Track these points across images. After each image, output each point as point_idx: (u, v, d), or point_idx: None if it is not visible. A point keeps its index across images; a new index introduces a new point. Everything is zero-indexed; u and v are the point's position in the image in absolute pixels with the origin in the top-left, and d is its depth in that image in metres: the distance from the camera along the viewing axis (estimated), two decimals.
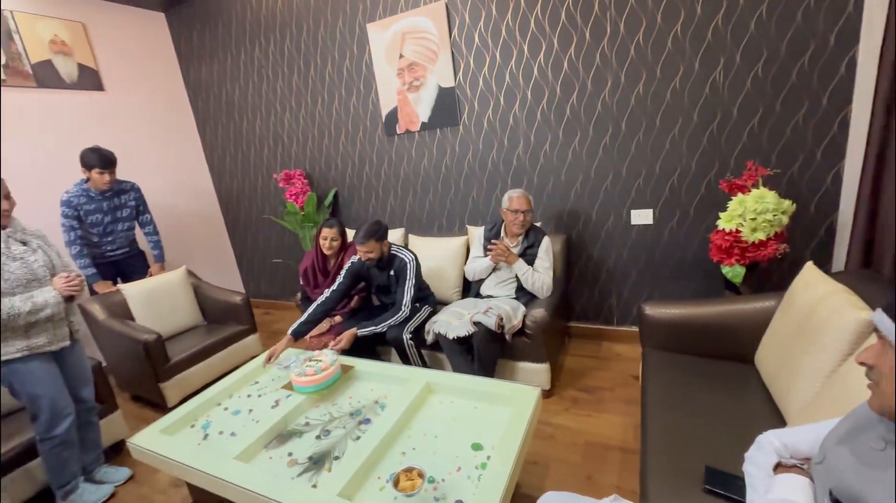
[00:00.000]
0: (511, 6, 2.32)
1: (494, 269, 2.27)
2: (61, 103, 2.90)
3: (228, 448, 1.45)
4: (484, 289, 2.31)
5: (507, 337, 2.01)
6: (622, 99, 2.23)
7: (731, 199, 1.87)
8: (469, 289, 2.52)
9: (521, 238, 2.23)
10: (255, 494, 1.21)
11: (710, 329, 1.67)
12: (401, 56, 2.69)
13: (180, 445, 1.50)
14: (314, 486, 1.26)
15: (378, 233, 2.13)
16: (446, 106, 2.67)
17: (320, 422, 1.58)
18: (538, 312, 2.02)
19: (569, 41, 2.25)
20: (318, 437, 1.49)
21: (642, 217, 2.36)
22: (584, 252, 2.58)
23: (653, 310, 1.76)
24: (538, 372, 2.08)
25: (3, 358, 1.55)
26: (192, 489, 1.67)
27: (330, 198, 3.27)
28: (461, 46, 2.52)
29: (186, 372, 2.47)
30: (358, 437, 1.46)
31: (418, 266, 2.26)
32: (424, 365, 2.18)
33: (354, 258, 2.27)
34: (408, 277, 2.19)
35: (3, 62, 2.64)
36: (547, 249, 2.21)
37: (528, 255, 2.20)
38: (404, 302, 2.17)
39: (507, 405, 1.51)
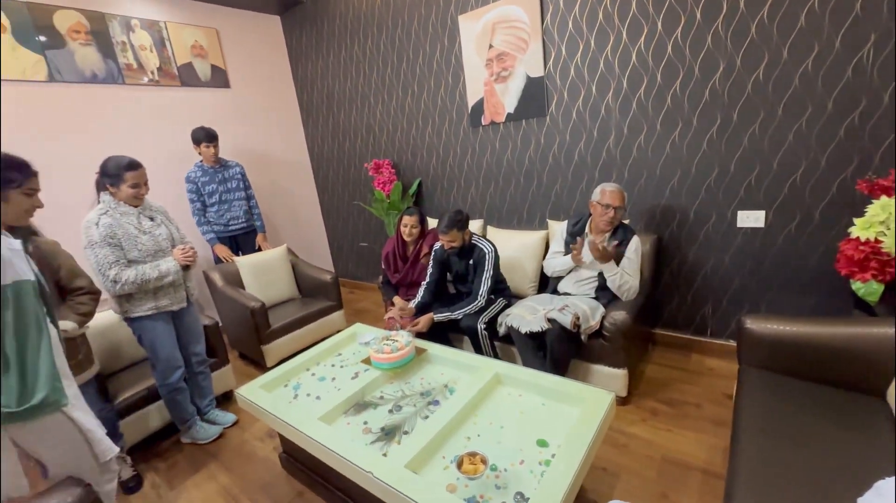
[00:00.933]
0: None
1: (574, 267, 2.19)
2: (197, 99, 3.39)
3: (314, 409, 1.61)
4: (562, 287, 2.24)
5: (583, 337, 1.94)
6: (736, 86, 1.98)
7: (870, 203, 1.58)
8: (546, 284, 2.47)
9: (607, 235, 2.12)
10: (335, 453, 1.34)
11: (829, 352, 1.44)
12: (490, 46, 2.68)
13: (276, 401, 1.71)
14: (384, 455, 1.35)
15: (461, 222, 2.19)
16: (533, 96, 2.61)
17: (393, 397, 1.68)
18: (619, 315, 1.91)
19: (675, 22, 2.05)
20: (390, 411, 1.59)
21: (751, 219, 2.10)
22: (678, 254, 2.37)
23: (756, 325, 1.57)
24: (615, 377, 1.98)
25: (135, 314, 1.89)
26: (283, 440, 1.89)
27: (414, 187, 3.40)
28: (553, 34, 2.43)
29: (282, 338, 2.78)
30: (426, 417, 1.53)
31: (497, 257, 2.27)
32: (496, 356, 2.20)
33: (436, 246, 2.35)
34: (486, 268, 2.22)
35: (157, 65, 3.17)
36: (636, 250, 2.07)
37: (616, 255, 2.09)
38: (481, 292, 2.20)
39: (577, 405, 1.47)
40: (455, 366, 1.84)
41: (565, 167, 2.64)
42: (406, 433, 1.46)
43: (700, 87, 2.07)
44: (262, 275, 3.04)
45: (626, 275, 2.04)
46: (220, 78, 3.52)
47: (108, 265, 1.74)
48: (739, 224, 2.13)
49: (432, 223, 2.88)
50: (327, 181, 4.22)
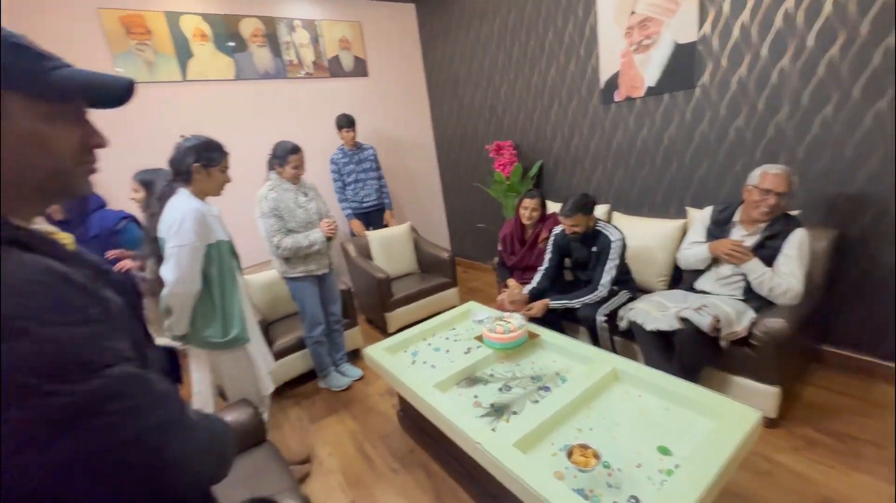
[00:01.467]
0: None
1: (715, 262, 1.90)
2: (341, 88, 3.78)
3: (429, 376, 1.73)
4: (700, 284, 1.98)
5: (723, 344, 1.70)
6: None
7: None
8: (679, 280, 2.21)
9: (761, 225, 1.79)
10: (448, 420, 1.43)
11: None
12: (632, 13, 2.42)
13: (396, 364, 1.88)
14: (493, 430, 1.39)
15: (586, 206, 2.07)
16: (680, 66, 2.29)
17: (503, 377, 1.71)
18: (774, 322, 1.62)
19: None
20: (500, 390, 1.63)
21: None
22: (866, 257, 1.89)
23: None
24: (763, 394, 1.69)
25: (291, 275, 2.24)
26: (401, 399, 2.08)
27: (535, 169, 3.31)
28: None
29: (402, 308, 3.03)
30: (536, 401, 1.52)
31: (624, 246, 2.10)
32: (614, 351, 2.06)
33: (556, 230, 2.28)
34: (611, 257, 2.07)
35: (312, 60, 3.61)
36: (800, 245, 1.71)
37: (768, 248, 1.76)
38: (602, 282, 2.07)
39: (710, 418, 1.30)
40: (568, 355, 1.78)
41: (716, 146, 2.28)
42: (515, 413, 1.48)
43: None
44: (388, 249, 3.32)
45: (780, 277, 1.70)
46: (360, 67, 3.87)
47: (273, 233, 2.10)
48: None
49: (552, 206, 2.78)
50: (449, 162, 4.37)
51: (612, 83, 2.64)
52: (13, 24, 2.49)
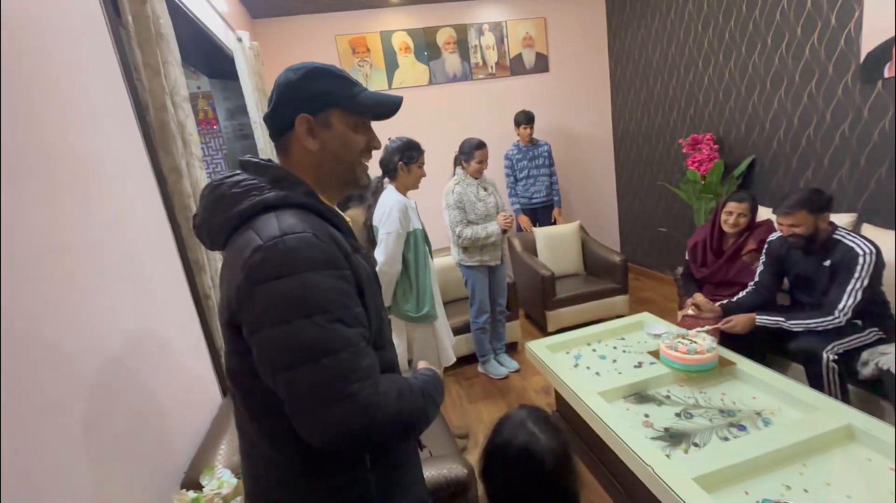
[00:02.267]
0: None
1: None
2: (521, 85, 3.85)
3: (593, 382, 1.66)
4: None
5: None
6: None
7: None
8: None
9: None
10: (613, 432, 1.35)
11: None
12: None
13: (558, 363, 1.85)
14: (668, 457, 1.25)
15: (815, 202, 1.63)
16: None
17: (683, 402, 1.51)
18: None
19: None
20: (678, 415, 1.45)
21: None
22: None
23: None
24: None
25: (467, 263, 2.41)
26: (559, 400, 2.04)
27: (743, 167, 2.77)
28: None
29: (564, 308, 2.95)
30: (726, 439, 1.30)
31: (879, 264, 1.58)
32: (845, 401, 1.60)
33: (773, 236, 1.88)
34: (855, 276, 1.58)
35: (496, 60, 3.77)
36: None
37: None
38: (840, 307, 1.60)
39: None
40: (776, 395, 1.46)
41: None
42: (696, 445, 1.30)
43: None
44: (555, 247, 3.27)
45: None
46: (541, 63, 3.86)
47: (456, 223, 2.31)
48: None
49: (764, 213, 2.28)
50: (628, 159, 4.01)
51: (883, 54, 1.99)
52: (281, 51, 3.35)
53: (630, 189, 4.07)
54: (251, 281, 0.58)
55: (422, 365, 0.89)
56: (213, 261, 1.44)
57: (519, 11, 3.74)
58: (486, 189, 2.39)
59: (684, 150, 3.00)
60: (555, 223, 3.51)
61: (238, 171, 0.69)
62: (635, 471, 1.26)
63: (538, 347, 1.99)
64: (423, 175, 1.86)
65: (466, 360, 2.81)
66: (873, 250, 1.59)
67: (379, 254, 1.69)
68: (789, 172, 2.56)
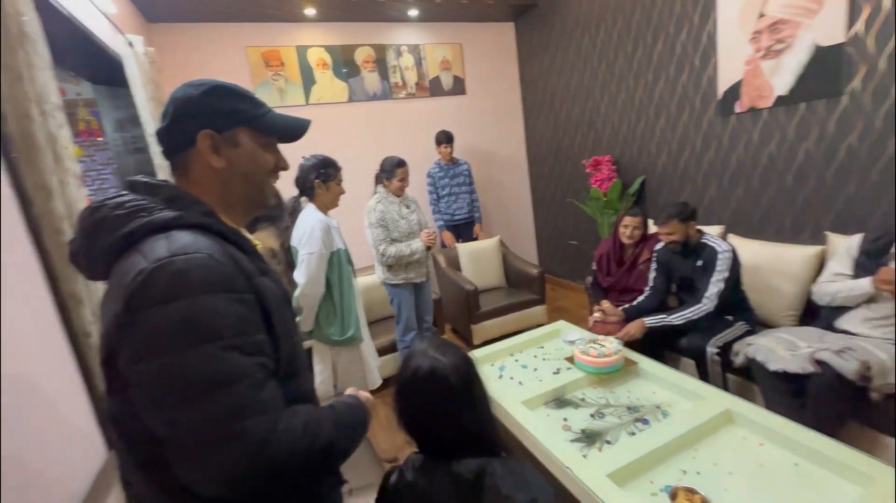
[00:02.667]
0: None
1: (869, 298, 1.61)
2: (440, 107, 3.98)
3: (517, 392, 1.72)
4: (843, 323, 1.68)
5: (874, 396, 1.42)
6: None
7: None
8: (812, 316, 1.91)
9: None
10: (538, 440, 1.41)
11: None
12: (761, 16, 2.19)
13: (483, 376, 1.89)
14: (584, 457, 1.33)
15: (682, 213, 1.93)
16: (822, 72, 2.01)
17: (596, 403, 1.63)
18: None
19: None
20: (592, 416, 1.55)
21: None
22: None
23: None
24: None
25: (392, 282, 2.39)
26: None
27: (636, 186, 3.13)
28: None
29: (488, 321, 3.04)
30: (633, 433, 1.42)
31: (736, 261, 1.90)
32: (726, 389, 1.84)
33: (658, 246, 2.14)
34: (718, 268, 1.88)
35: (415, 81, 3.86)
36: None
37: None
38: (708, 294, 1.88)
39: (857, 483, 1.10)
40: (671, 388, 1.64)
41: (867, 164, 1.95)
42: (608, 443, 1.40)
43: None
44: (477, 261, 3.38)
45: None
46: (458, 86, 4.03)
47: (379, 242, 2.28)
48: None
49: (654, 227, 2.59)
50: (541, 177, 4.32)
51: (733, 93, 2.40)
52: (183, 59, 3.10)
53: (544, 205, 4.37)
54: (132, 307, 0.51)
55: (348, 391, 0.85)
56: (95, 293, 1.25)
57: (436, 36, 3.88)
58: (408, 206, 2.40)
59: (587, 170, 3.31)
60: (476, 239, 3.63)
61: (124, 192, 0.62)
62: (556, 474, 1.32)
63: None
64: (342, 192, 1.82)
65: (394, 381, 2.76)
66: (730, 248, 1.91)
67: (300, 275, 1.60)
68: (672, 191, 2.94)
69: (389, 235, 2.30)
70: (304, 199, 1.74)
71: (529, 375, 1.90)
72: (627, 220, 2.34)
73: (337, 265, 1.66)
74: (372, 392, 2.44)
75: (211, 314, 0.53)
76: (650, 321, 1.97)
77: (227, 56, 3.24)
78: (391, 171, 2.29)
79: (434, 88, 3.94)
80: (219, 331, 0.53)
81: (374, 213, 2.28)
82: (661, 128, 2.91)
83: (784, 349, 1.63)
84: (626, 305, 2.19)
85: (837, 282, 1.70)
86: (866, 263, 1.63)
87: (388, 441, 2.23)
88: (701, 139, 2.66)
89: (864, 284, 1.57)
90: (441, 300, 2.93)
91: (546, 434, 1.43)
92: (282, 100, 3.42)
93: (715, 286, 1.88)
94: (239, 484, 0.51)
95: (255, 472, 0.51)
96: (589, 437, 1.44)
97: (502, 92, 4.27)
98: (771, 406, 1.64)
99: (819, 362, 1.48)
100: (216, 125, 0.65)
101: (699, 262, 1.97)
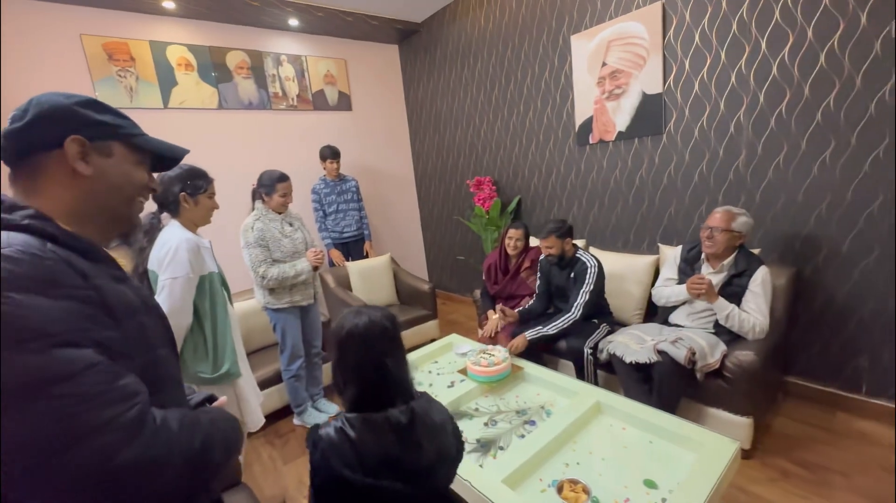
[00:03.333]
0: None
1: (689, 299, 2.00)
2: (325, 121, 3.85)
3: None
4: (674, 318, 2.06)
5: (699, 375, 1.76)
6: None
7: None
8: (653, 313, 2.30)
9: (726, 263, 1.91)
10: None
11: None
12: (603, 64, 2.62)
13: None
14: (481, 466, 1.37)
15: (559, 230, 2.18)
16: (649, 114, 2.48)
17: (488, 411, 1.70)
18: (745, 355, 1.70)
19: (832, 28, 1.81)
20: (485, 424, 1.62)
21: None
22: (822, 293, 2.04)
23: None
24: (736, 425, 1.75)
25: (275, 306, 2.18)
26: None
27: (514, 204, 3.42)
28: (676, 49, 2.30)
29: None
30: (522, 436, 1.52)
31: (601, 274, 2.19)
32: (596, 383, 2.10)
33: (541, 257, 2.38)
34: (586, 282, 2.15)
35: (297, 93, 3.67)
36: (763, 282, 1.82)
37: (735, 286, 1.87)
38: (576, 304, 2.14)
39: (692, 450, 1.34)
40: (552, 388, 1.80)
41: (682, 189, 2.45)
42: (501, 449, 1.47)
43: (863, 101, 1.79)
44: (368, 280, 3.30)
45: (747, 313, 1.81)
46: (344, 102, 3.96)
47: (259, 263, 2.06)
48: None
49: (533, 241, 2.87)
50: (428, 195, 4.45)
51: (587, 127, 2.82)
52: (6, 42, 2.45)
53: (432, 222, 4.51)
54: None
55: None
56: None
57: (319, 49, 3.77)
58: (291, 224, 2.23)
59: (471, 190, 3.52)
60: (367, 256, 3.55)
61: None
62: (456, 487, 1.33)
63: None
64: (215, 207, 1.59)
65: (279, 415, 2.51)
66: (596, 263, 2.20)
67: (161, 304, 1.35)
68: (544, 209, 3.30)
69: (270, 256, 2.10)
70: (165, 215, 1.48)
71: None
72: (512, 232, 2.55)
73: (209, 291, 1.44)
74: (251, 434, 2.18)
75: (31, 311, 0.47)
76: (531, 334, 2.16)
77: (54, 41, 2.66)
78: (271, 186, 2.11)
79: (318, 102, 3.80)
80: (42, 327, 0.46)
81: (252, 232, 2.07)
82: (532, 153, 3.26)
83: (635, 343, 1.92)
84: (521, 308, 2.39)
85: (668, 287, 2.08)
86: (685, 269, 2.04)
87: (273, 484, 2.00)
88: (564, 164, 3.05)
89: (682, 289, 1.96)
90: (331, 322, 2.78)
91: None
92: (132, 100, 2.93)
93: (581, 297, 2.15)
94: (103, 489, 0.44)
95: (126, 469, 0.45)
96: (484, 446, 1.49)
97: (390, 111, 4.32)
98: (628, 393, 1.91)
99: (660, 352, 1.78)
100: (88, 133, 0.62)
101: (572, 274, 2.23)
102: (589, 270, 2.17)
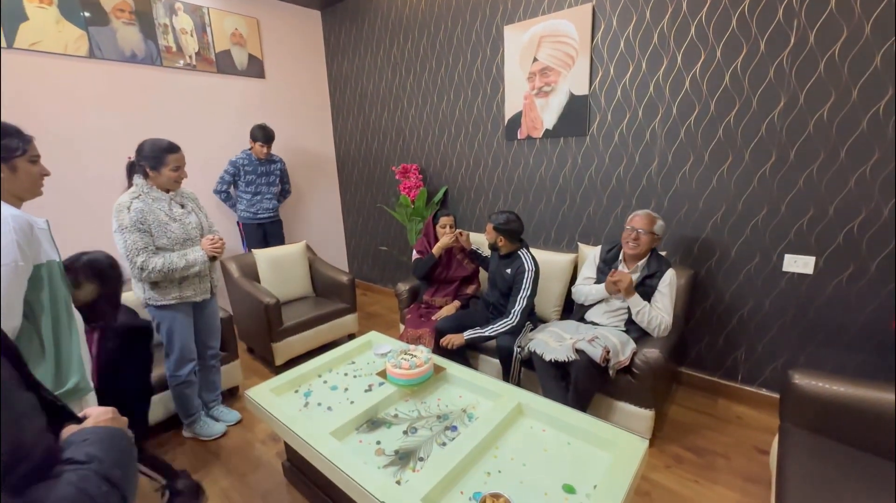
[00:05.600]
0: (670, 10, 2.10)
1: (607, 297, 2.08)
2: (232, 87, 3.38)
3: (325, 421, 1.54)
4: (590, 316, 2.14)
5: (611, 372, 1.84)
6: (797, 123, 1.88)
7: None
8: (570, 310, 2.37)
9: (640, 264, 2.02)
10: (345, 474, 1.26)
11: (887, 420, 1.32)
12: (534, 60, 2.61)
13: (285, 407, 1.63)
14: (398, 483, 1.27)
15: (499, 223, 2.18)
16: (575, 114, 2.53)
17: (408, 417, 1.60)
18: (652, 353, 1.81)
19: (736, 52, 1.96)
20: (405, 432, 1.51)
21: (799, 264, 1.98)
22: (713, 293, 2.26)
23: (805, 381, 1.46)
24: (640, 418, 1.87)
25: (159, 303, 1.84)
26: (289, 449, 1.81)
27: (440, 195, 3.33)
28: (602, 52, 2.35)
29: (293, 337, 2.72)
30: (444, 444, 1.44)
31: (537, 277, 2.19)
32: (519, 380, 2.10)
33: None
34: (524, 286, 2.14)
35: (196, 50, 3.16)
36: (670, 283, 1.96)
37: (647, 286, 1.98)
38: (515, 310, 2.13)
39: (607, 450, 1.37)
40: (474, 390, 1.75)
41: (601, 190, 2.55)
42: (422, 460, 1.38)
43: (756, 122, 1.98)
44: (279, 269, 2.99)
45: (656, 311, 1.93)
46: (255, 68, 3.51)
47: (137, 251, 1.70)
48: (785, 268, 2.02)
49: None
50: (351, 180, 4.18)
51: (516, 121, 2.80)
52: None
53: (354, 208, 4.25)
54: None
55: (69, 430, 0.66)
56: None
57: (225, 2, 3.27)
58: (183, 206, 1.88)
59: (397, 177, 3.35)
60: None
61: None
62: None
63: (260, 394, 1.70)
64: (45, 172, 1.21)
65: (165, 426, 2.16)
66: (534, 266, 2.18)
67: None
68: (470, 202, 3.25)
69: (153, 243, 1.74)
70: None
71: (339, 397, 1.74)
72: (444, 219, 2.51)
73: (47, 283, 1.10)
74: None
75: None
76: (469, 334, 2.15)
77: None
78: (157, 159, 1.74)
79: (223, 64, 3.31)
80: None
81: (128, 214, 1.69)
82: (461, 143, 3.18)
83: (554, 341, 1.96)
84: (460, 294, 2.49)
85: (587, 286, 2.15)
86: (604, 269, 2.11)
87: None
88: (492, 157, 3.02)
89: (601, 289, 2.04)
90: (233, 318, 2.45)
91: (357, 466, 1.30)
92: None
93: (519, 304, 2.13)
94: None
95: None
96: (402, 458, 1.38)
97: (309, 83, 3.93)
98: (546, 391, 1.94)
99: (578, 351, 1.82)
100: None
101: (509, 271, 2.22)
102: (526, 274, 2.15)
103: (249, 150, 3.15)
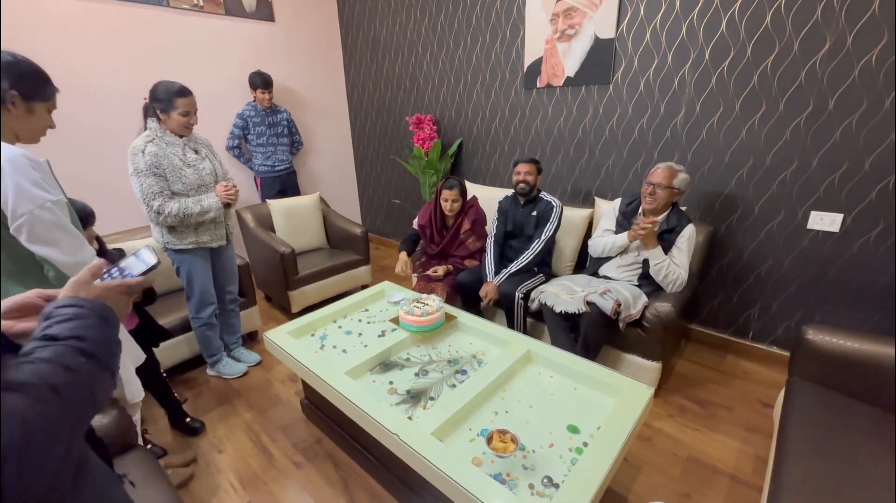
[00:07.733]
0: None
1: (623, 250, 2.05)
2: (240, 30, 3.26)
3: (340, 362, 1.61)
4: (603, 270, 2.13)
5: (621, 325, 1.85)
6: (840, 70, 1.74)
7: None
8: (583, 265, 2.36)
9: (660, 218, 1.97)
10: (362, 411, 1.33)
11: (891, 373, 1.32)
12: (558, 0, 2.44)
13: (302, 349, 1.71)
14: (410, 418, 1.33)
15: (538, 164, 2.27)
16: (599, 60, 2.38)
17: (420, 361, 1.66)
18: (664, 307, 1.81)
19: None
20: (416, 375, 1.57)
21: (825, 222, 1.91)
22: (732, 250, 2.21)
23: (818, 336, 1.45)
24: (648, 369, 1.90)
25: (177, 247, 1.89)
26: (306, 387, 1.91)
27: (454, 147, 3.25)
28: None
29: (308, 286, 2.79)
30: (454, 385, 1.50)
31: (562, 217, 2.24)
32: (525, 330, 2.14)
33: (501, 198, 2.41)
34: (551, 219, 2.21)
35: None
36: (689, 239, 1.92)
37: (666, 241, 1.94)
38: (543, 238, 2.20)
39: (612, 396, 1.41)
40: (484, 338, 1.79)
41: (622, 143, 2.45)
42: (432, 399, 1.44)
43: (795, 68, 1.84)
44: (293, 220, 3.02)
45: (674, 266, 1.91)
46: (265, 10, 3.36)
47: (153, 195, 1.72)
48: (810, 225, 1.95)
49: (471, 189, 2.75)
50: (364, 130, 4.10)
51: (535, 69, 2.66)
52: None
53: (367, 160, 4.19)
54: None
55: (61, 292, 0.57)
56: None
57: None
58: (197, 152, 1.88)
59: (410, 128, 3.27)
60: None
61: None
62: (385, 442, 1.28)
63: (278, 336, 1.78)
64: (51, 126, 1.15)
65: (192, 364, 2.29)
66: (560, 206, 2.24)
67: (45, 248, 1.04)
68: (485, 155, 3.17)
69: (168, 187, 1.77)
70: None
71: (354, 341, 1.80)
72: (446, 193, 2.35)
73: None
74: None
75: None
76: (499, 280, 2.19)
77: None
78: (168, 101, 1.72)
79: (232, 6, 3.17)
80: None
81: (143, 157, 1.70)
82: (477, 92, 3.06)
83: (566, 294, 1.96)
84: (461, 268, 2.41)
85: (605, 237, 2.11)
86: (623, 223, 2.07)
87: (184, 445, 1.84)
88: (509, 108, 2.91)
89: (623, 238, 2.00)
90: (250, 266, 2.51)
91: (371, 402, 1.37)
92: None
93: (546, 233, 2.21)
94: None
95: None
96: (414, 397, 1.45)
97: (320, 27, 3.76)
98: (554, 341, 1.97)
99: (589, 303, 1.83)
100: None
101: (534, 212, 2.25)
102: (555, 210, 2.22)
103: (253, 101, 3.13)
